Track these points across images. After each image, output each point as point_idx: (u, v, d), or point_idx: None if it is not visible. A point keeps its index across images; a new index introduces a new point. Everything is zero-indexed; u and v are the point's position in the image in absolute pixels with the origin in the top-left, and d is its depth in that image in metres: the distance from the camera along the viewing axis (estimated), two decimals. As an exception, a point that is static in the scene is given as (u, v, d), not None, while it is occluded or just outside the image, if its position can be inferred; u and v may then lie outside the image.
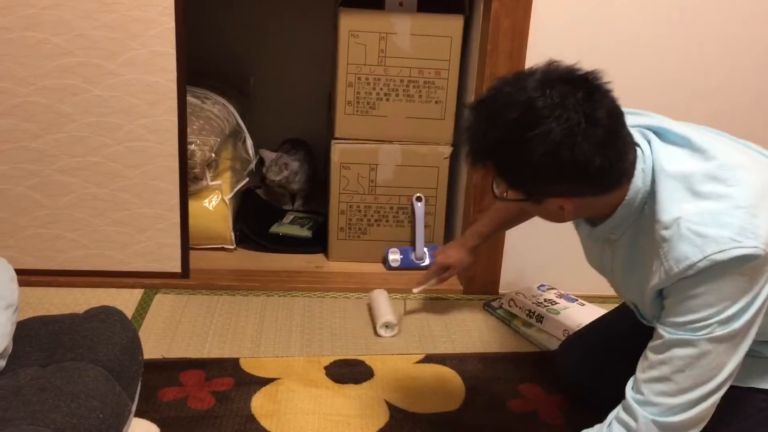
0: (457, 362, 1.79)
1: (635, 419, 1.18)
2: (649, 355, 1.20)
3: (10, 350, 1.39)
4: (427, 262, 2.27)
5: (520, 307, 1.98)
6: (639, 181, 1.19)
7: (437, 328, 1.97)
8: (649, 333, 1.24)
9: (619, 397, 1.25)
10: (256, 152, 2.57)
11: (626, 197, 1.20)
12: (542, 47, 1.92)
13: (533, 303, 1.97)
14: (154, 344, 1.79)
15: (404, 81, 2.18)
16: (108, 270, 2.07)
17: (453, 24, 2.15)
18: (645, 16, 1.95)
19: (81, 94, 1.91)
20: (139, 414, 1.50)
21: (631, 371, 1.24)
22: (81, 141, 1.95)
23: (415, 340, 1.91)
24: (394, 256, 2.28)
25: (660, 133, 1.24)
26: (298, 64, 2.86)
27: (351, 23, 2.12)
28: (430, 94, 2.20)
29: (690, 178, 1.16)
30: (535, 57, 1.93)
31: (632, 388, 1.21)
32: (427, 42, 2.15)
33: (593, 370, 1.58)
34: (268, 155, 2.55)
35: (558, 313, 1.91)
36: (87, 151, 1.96)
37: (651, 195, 1.19)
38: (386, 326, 1.91)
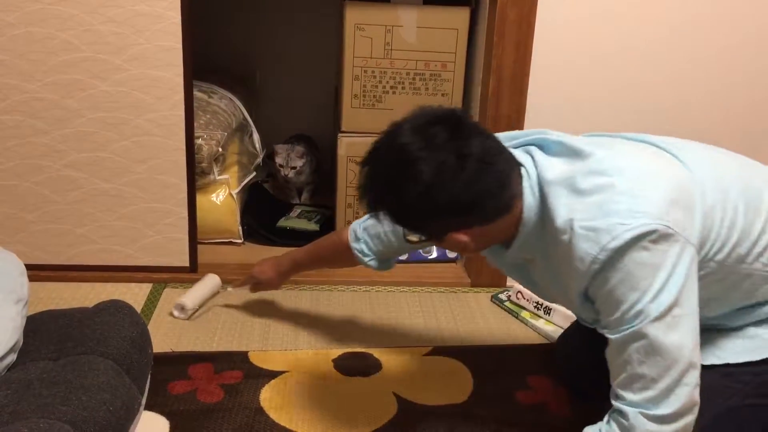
0: (465, 354, 1.79)
1: (626, 417, 1.19)
2: (610, 363, 1.22)
3: (21, 344, 1.40)
4: (434, 254, 2.27)
5: (527, 300, 1.98)
6: (529, 197, 1.23)
7: (445, 320, 1.97)
8: None
9: None
10: (263, 146, 2.57)
11: (523, 216, 1.23)
12: (549, 38, 1.91)
13: (541, 295, 1.97)
14: (163, 338, 1.80)
15: (410, 74, 2.18)
16: (116, 265, 2.08)
17: (459, 16, 2.14)
18: (653, 6, 1.94)
19: (88, 90, 1.91)
20: (149, 407, 1.51)
21: None
22: (88, 136, 1.96)
23: (423, 332, 1.91)
24: (402, 249, 2.27)
25: (542, 146, 1.28)
26: (304, 57, 2.86)
27: (357, 16, 2.12)
28: (437, 86, 2.19)
29: (571, 179, 1.20)
30: (542, 47, 1.93)
31: (613, 397, 1.23)
32: (434, 34, 2.15)
33: (590, 363, 1.57)
34: (281, 148, 2.56)
35: (566, 304, 1.91)
36: (94, 147, 1.97)
37: (544, 207, 1.22)
38: (181, 308, 1.89)
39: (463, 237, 1.22)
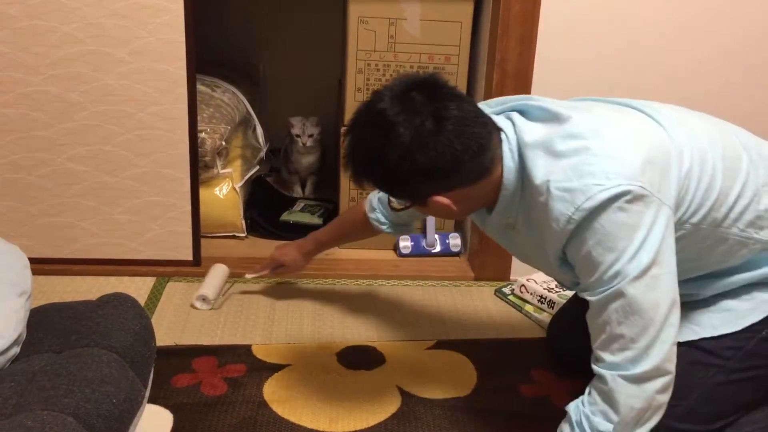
0: (469, 348, 1.79)
1: (605, 382, 1.20)
2: (590, 325, 1.24)
3: (24, 337, 1.40)
4: (438, 248, 2.27)
5: (531, 293, 1.98)
6: (509, 161, 1.25)
7: (448, 314, 1.97)
8: None
9: None
10: (267, 140, 2.56)
11: (503, 179, 1.26)
12: (553, 31, 1.90)
13: (544, 289, 1.96)
14: (167, 331, 1.80)
15: (414, 67, 2.17)
16: (120, 258, 2.08)
17: (463, 9, 2.13)
18: (658, 1, 1.93)
19: (91, 83, 1.91)
20: (152, 400, 1.51)
21: None
22: (92, 130, 1.95)
23: (426, 326, 1.91)
24: (405, 243, 2.27)
25: (524, 111, 1.30)
26: (307, 51, 2.85)
27: (360, 9, 2.12)
28: (440, 80, 2.18)
29: (548, 142, 1.22)
30: (546, 41, 1.93)
31: (593, 360, 1.24)
32: (437, 27, 2.14)
33: (581, 341, 1.58)
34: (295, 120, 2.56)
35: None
36: (98, 140, 1.96)
37: (523, 170, 1.24)
38: (202, 299, 1.92)
39: (444, 200, 1.24)
